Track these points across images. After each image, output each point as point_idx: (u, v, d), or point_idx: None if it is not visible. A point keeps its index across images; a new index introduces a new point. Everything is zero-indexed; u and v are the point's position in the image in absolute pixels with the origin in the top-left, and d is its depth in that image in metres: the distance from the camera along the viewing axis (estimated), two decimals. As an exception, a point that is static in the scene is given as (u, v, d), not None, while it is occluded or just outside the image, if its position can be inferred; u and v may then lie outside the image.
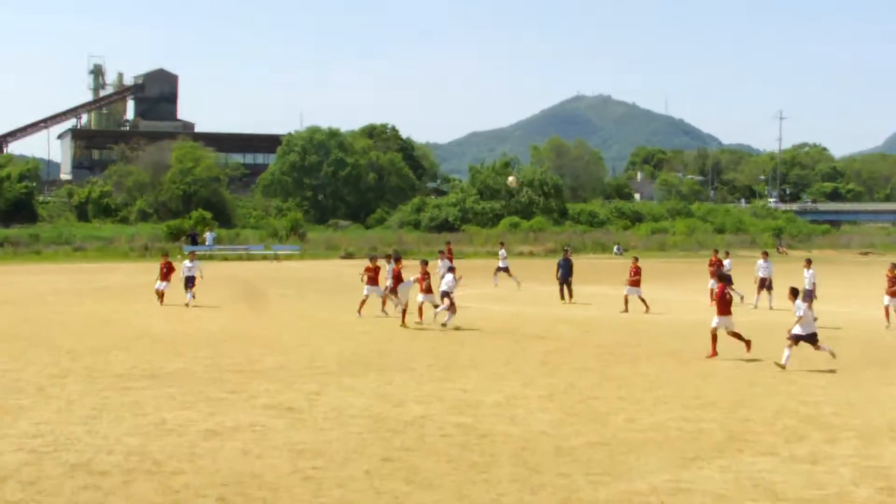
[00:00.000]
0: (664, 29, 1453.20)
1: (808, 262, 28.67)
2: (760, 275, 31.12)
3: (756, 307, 30.23)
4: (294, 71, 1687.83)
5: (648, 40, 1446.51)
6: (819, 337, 18.23)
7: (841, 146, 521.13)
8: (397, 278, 24.47)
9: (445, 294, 23.93)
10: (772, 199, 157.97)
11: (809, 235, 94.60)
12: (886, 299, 25.65)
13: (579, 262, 57.92)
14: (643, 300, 28.66)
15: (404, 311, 24.20)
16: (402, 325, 23.87)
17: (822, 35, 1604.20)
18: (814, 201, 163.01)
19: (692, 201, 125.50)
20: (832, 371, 17.80)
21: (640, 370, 17.89)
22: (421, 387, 15.76)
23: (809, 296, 25.84)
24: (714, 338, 19.36)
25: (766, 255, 32.77)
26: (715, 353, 19.22)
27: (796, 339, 17.99)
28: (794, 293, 18.58)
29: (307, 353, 19.47)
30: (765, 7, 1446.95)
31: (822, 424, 13.22)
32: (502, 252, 40.12)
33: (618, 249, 73.18)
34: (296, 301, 32.01)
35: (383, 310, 26.70)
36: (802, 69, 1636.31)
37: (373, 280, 26.45)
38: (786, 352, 17.93)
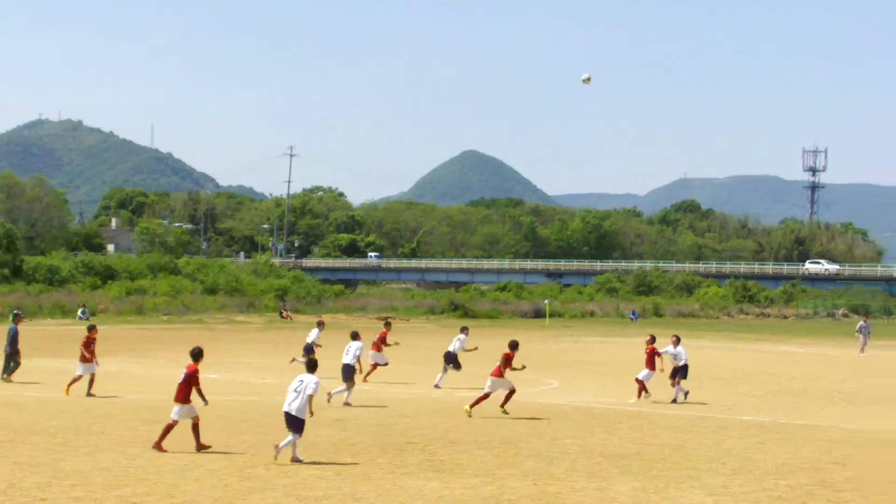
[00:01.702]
0: (153, 41, 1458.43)
1: (354, 335, 28.85)
2: None
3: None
4: None
5: (127, 52, 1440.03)
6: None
7: (364, 191, 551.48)
8: None
9: None
10: (278, 255, 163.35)
11: (319, 297, 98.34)
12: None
13: (34, 330, 56.24)
14: (81, 378, 28.06)
15: None
16: None
17: (316, 65, 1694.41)
18: (298, 256, 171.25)
19: (180, 255, 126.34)
20: (341, 462, 18.55)
21: (103, 463, 17.62)
22: None
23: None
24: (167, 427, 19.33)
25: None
26: (161, 448, 19.09)
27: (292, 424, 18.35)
28: (309, 365, 18.91)
29: None
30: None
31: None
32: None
33: (83, 313, 72.06)
34: None
35: None
36: (315, 102, 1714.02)
37: None
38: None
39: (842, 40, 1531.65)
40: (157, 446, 19.06)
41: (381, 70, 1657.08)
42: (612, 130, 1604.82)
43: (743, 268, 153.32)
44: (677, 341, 29.98)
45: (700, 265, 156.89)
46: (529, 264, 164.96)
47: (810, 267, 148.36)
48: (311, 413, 18.43)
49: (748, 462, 19.41)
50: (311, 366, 18.95)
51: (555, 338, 63.09)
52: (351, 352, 27.84)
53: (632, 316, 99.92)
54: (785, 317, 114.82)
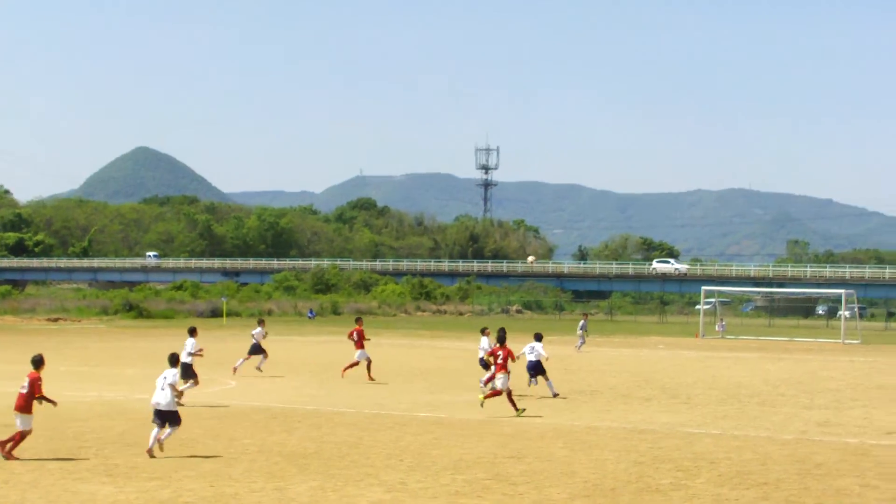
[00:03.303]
0: None
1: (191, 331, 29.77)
2: None
3: None
4: None
5: None
6: None
7: (32, 188, 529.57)
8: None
9: None
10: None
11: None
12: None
13: None
14: None
15: None
16: None
17: None
18: None
19: None
20: (9, 468, 17.91)
21: None
22: None
23: None
24: None
25: None
26: None
27: None
28: (171, 360, 20.54)
29: None
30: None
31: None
32: None
33: None
34: None
35: None
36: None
37: None
38: None
39: (509, 42, 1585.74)
40: (8, 455, 18.80)
41: (45, 62, 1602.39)
42: (287, 127, 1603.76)
43: (419, 265, 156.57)
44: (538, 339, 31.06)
45: (377, 263, 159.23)
46: (206, 263, 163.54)
47: (658, 266, 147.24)
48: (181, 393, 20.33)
49: (426, 458, 19.83)
50: (173, 360, 20.57)
51: (232, 337, 62.65)
52: (186, 349, 28.44)
53: (309, 314, 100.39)
54: (461, 313, 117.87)
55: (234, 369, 36.86)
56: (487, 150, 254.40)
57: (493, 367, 26.79)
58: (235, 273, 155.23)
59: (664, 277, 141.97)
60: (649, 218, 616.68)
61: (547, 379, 31.06)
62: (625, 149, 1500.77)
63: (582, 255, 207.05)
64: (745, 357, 53.04)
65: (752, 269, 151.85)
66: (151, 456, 19.23)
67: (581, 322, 57.31)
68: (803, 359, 52.55)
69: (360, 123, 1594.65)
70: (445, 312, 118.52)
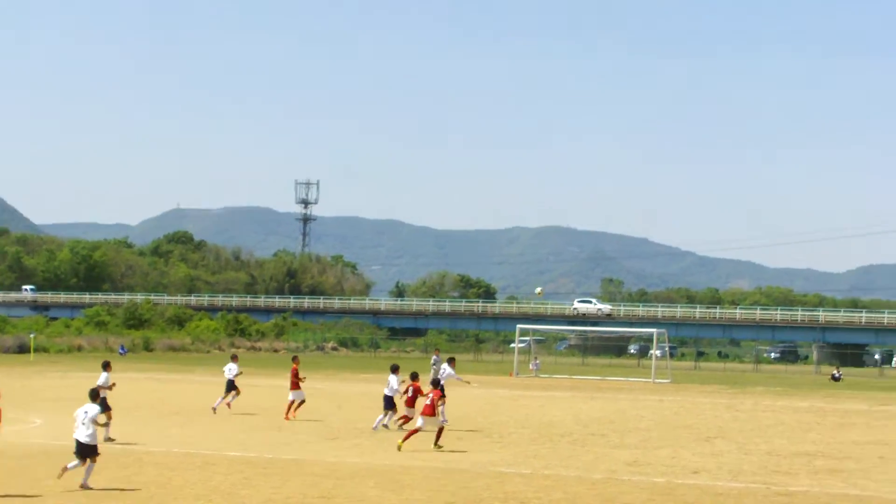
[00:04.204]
0: None
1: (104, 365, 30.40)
2: None
3: None
4: None
5: None
6: None
7: None
8: None
9: None
10: None
11: None
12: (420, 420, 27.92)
13: None
14: None
15: None
16: None
17: None
18: None
19: None
20: None
21: None
22: None
23: None
24: None
25: None
26: None
27: None
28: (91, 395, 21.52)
29: None
30: None
31: None
32: None
33: None
34: None
35: None
36: None
37: None
38: None
39: (327, 74, 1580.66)
40: None
41: None
42: (102, 158, 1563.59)
43: (235, 301, 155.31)
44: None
45: (192, 298, 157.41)
46: (14, 296, 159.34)
47: (579, 306, 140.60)
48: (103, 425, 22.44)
49: (235, 498, 19.64)
50: (93, 395, 21.62)
51: (39, 374, 61.08)
52: (101, 383, 28.55)
53: (121, 350, 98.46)
54: (276, 350, 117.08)
55: (214, 409, 36.99)
56: (307, 183, 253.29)
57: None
58: (45, 307, 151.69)
59: (584, 318, 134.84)
60: (467, 255, 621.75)
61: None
62: (444, 184, 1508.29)
63: (399, 292, 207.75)
64: (557, 396, 53.88)
65: (567, 308, 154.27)
66: (87, 489, 20.10)
67: (434, 357, 57.81)
68: (614, 398, 53.62)
69: (178, 155, 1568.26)
70: (260, 349, 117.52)
